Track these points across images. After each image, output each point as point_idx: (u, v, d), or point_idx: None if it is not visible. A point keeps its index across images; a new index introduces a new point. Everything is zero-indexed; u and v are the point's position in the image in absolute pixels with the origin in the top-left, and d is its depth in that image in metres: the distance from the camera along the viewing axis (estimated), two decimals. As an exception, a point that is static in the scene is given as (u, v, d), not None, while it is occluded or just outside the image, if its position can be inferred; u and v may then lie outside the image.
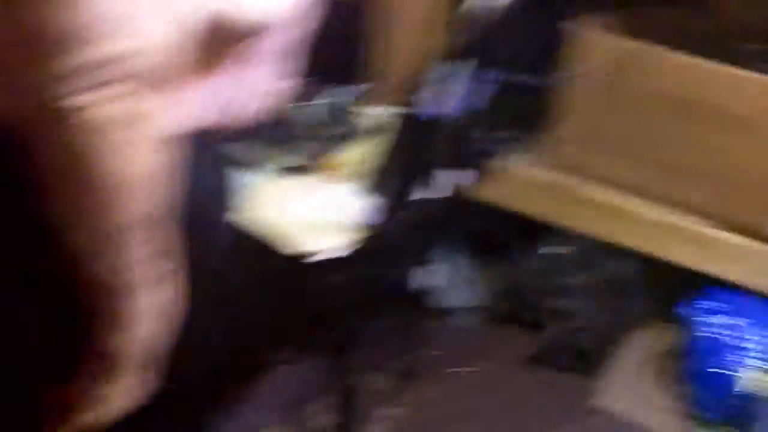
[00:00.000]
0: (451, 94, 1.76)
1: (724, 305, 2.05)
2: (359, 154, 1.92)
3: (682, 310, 2.08)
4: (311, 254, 1.67)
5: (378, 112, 2.04)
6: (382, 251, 1.80)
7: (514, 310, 2.30)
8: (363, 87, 2.10)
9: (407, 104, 1.83)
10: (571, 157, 2.15)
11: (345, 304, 1.80)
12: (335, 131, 1.96)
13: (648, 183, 2.09)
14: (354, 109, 2.03)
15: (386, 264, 1.96)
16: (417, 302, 2.21)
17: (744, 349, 2.00)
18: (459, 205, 1.93)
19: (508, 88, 1.97)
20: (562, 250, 2.26)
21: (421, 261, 2.19)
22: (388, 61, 2.19)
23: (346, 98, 2.03)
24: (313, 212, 1.78)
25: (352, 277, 1.73)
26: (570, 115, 2.11)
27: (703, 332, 2.03)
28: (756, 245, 2.00)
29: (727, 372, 2.00)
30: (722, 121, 1.96)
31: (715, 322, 2.04)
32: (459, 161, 1.87)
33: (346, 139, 1.95)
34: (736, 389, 1.99)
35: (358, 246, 1.70)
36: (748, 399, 1.98)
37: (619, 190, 2.12)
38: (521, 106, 2.14)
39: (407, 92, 1.83)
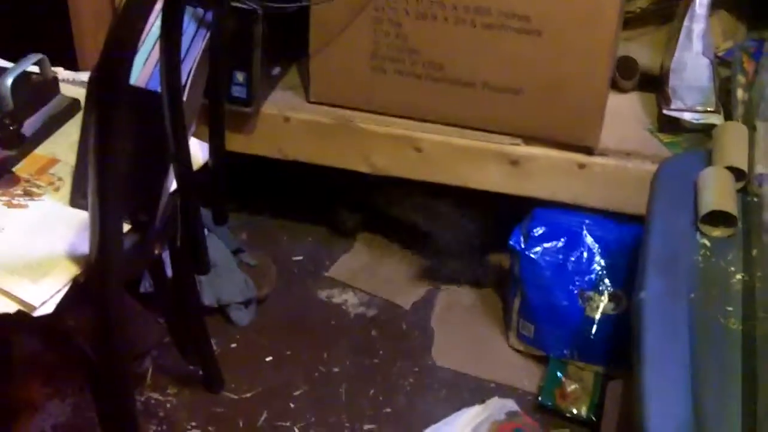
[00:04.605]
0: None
1: (554, 228, 1.82)
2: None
3: (512, 240, 1.84)
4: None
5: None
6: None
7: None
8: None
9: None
10: (342, 88, 1.86)
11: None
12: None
13: (439, 107, 1.82)
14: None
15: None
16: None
17: (581, 272, 1.80)
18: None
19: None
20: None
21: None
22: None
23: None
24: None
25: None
26: (332, 41, 1.81)
27: (536, 261, 1.80)
28: (576, 157, 1.80)
29: (565, 300, 1.79)
30: (507, 24, 1.71)
31: (547, 248, 1.81)
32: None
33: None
34: (580, 317, 1.78)
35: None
36: (592, 324, 1.78)
37: (408, 120, 1.85)
38: (277, 39, 1.83)
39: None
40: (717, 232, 1.41)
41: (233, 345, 1.88)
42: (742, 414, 1.15)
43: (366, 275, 2.07)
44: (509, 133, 1.81)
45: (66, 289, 1.21)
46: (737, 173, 1.48)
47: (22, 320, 1.19)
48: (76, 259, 1.23)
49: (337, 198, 2.15)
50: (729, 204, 1.42)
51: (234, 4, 1.65)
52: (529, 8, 1.69)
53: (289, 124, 1.87)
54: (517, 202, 1.87)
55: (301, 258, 2.12)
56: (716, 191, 1.45)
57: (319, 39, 1.81)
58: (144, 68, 1.22)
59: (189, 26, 1.29)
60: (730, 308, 1.28)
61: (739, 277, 1.34)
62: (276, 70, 1.91)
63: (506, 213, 1.92)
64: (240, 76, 1.78)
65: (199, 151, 1.48)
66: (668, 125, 1.87)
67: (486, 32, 1.72)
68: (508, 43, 1.72)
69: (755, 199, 1.45)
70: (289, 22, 1.79)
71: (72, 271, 1.22)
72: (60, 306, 1.20)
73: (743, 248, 1.39)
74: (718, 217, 1.40)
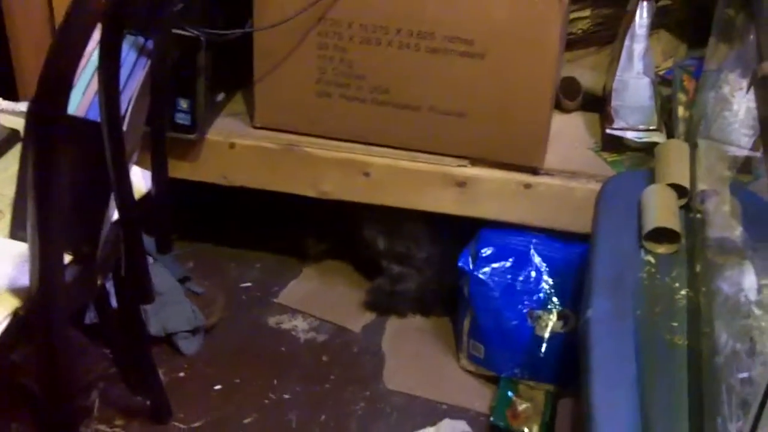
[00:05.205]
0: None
1: (502, 248, 1.83)
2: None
3: (460, 262, 1.84)
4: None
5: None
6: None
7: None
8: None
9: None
10: (287, 114, 1.86)
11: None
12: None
13: (385, 130, 1.82)
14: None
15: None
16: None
17: (529, 292, 1.80)
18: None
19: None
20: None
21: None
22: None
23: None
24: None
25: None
26: (277, 66, 1.81)
27: (485, 282, 1.80)
28: (522, 177, 1.80)
29: (515, 320, 1.80)
30: (451, 48, 1.72)
31: (495, 268, 1.81)
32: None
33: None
34: (529, 336, 1.79)
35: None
36: (541, 343, 1.79)
37: (355, 144, 1.85)
38: (221, 65, 1.82)
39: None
40: (661, 249, 1.42)
41: (181, 374, 1.86)
42: (690, 430, 1.16)
43: (315, 300, 2.06)
44: (456, 155, 1.82)
45: (6, 322, 1.19)
46: (680, 190, 1.49)
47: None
48: (16, 291, 1.21)
49: (304, 224, 2.14)
50: (672, 221, 1.43)
51: (176, 31, 1.64)
52: (472, 32, 1.70)
53: (235, 150, 1.86)
54: (469, 223, 1.88)
55: (249, 285, 2.10)
56: (659, 209, 1.46)
57: (263, 65, 1.81)
58: (83, 98, 1.21)
59: (129, 55, 1.28)
60: (675, 324, 1.29)
61: (683, 293, 1.35)
62: (220, 96, 1.90)
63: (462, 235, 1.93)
64: (184, 103, 1.76)
65: (141, 180, 1.47)
66: (611, 144, 1.88)
67: (430, 56, 1.73)
68: (453, 67, 1.73)
69: (698, 216, 1.46)
70: (232, 48, 1.79)
71: (12, 304, 1.20)
72: (0, 340, 1.18)
73: (687, 264, 1.40)
74: (662, 234, 1.42)
